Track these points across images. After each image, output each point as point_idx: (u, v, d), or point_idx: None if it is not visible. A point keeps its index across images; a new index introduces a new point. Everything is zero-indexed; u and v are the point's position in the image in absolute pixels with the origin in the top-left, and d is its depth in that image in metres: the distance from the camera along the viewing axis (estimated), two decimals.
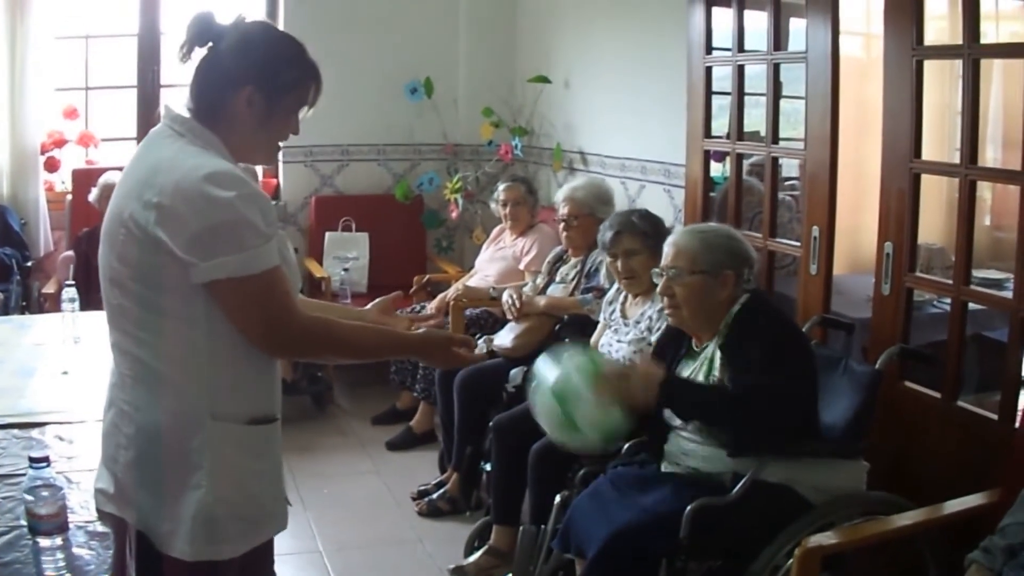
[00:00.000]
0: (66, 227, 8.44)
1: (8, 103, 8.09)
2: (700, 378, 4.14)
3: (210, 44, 2.90)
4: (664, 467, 4.27)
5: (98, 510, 3.02)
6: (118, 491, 2.89)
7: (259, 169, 7.81)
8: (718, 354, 4.09)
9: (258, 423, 2.91)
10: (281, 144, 3.04)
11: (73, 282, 5.47)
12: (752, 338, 3.99)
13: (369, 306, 3.59)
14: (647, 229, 5.18)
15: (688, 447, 4.16)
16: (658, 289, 4.32)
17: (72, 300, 5.37)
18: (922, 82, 4.59)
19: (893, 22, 4.70)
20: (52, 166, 8.59)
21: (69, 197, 8.45)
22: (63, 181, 8.67)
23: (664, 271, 4.24)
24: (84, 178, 8.20)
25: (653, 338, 5.00)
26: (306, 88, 2.97)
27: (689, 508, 3.84)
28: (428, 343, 3.24)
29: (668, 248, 4.25)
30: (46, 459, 2.63)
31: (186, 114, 2.89)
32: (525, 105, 8.79)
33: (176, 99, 2.96)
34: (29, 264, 7.99)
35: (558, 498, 4.64)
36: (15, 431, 4.01)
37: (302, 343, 2.90)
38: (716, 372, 4.08)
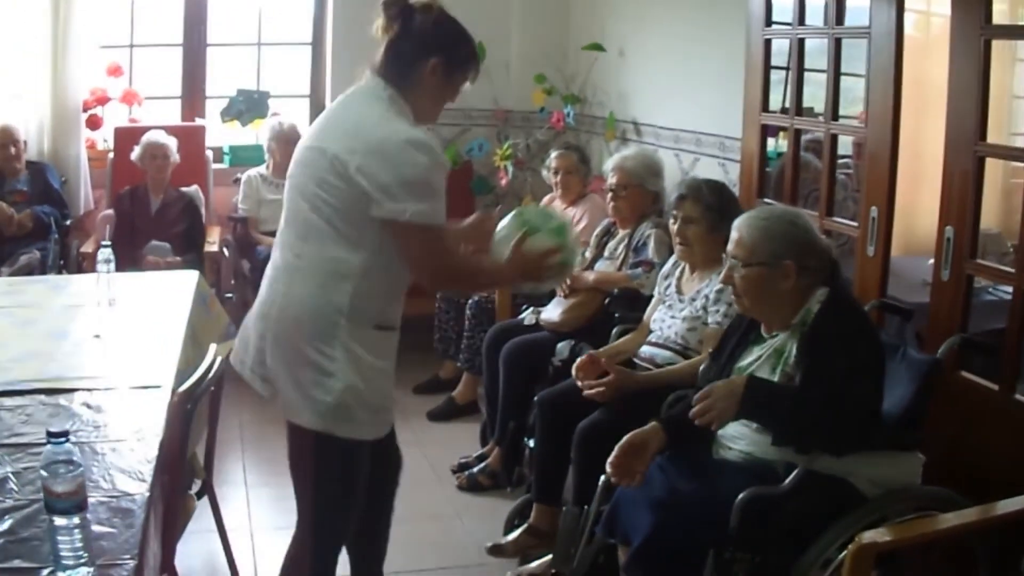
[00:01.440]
0: (107, 186, 8.35)
1: (51, 59, 8.00)
2: (765, 368, 4.00)
3: (401, 21, 3.59)
4: (715, 452, 4.15)
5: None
6: (257, 364, 3.71)
7: (284, 123, 8.12)
8: (793, 350, 3.94)
9: (383, 329, 3.65)
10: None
11: (109, 243, 5.33)
12: (833, 343, 3.82)
13: (466, 225, 4.12)
14: (712, 202, 5.06)
15: (740, 431, 4.03)
16: (721, 276, 4.21)
17: (108, 261, 5.23)
18: (989, 63, 4.45)
19: (962, 1, 4.55)
20: (94, 124, 8.50)
21: (111, 155, 8.37)
22: (105, 139, 8.60)
23: (727, 258, 4.11)
24: (127, 136, 8.13)
25: (710, 319, 4.94)
26: (472, 66, 3.70)
27: (739, 498, 3.71)
28: (526, 266, 3.77)
29: (733, 233, 4.10)
30: (65, 434, 2.54)
31: (381, 79, 3.59)
32: (578, 73, 8.64)
33: (371, 61, 3.66)
34: (68, 223, 7.93)
35: (603, 479, 4.48)
36: (42, 397, 3.88)
37: (452, 282, 4.03)
38: (788, 368, 3.93)
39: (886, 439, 3.92)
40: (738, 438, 4.03)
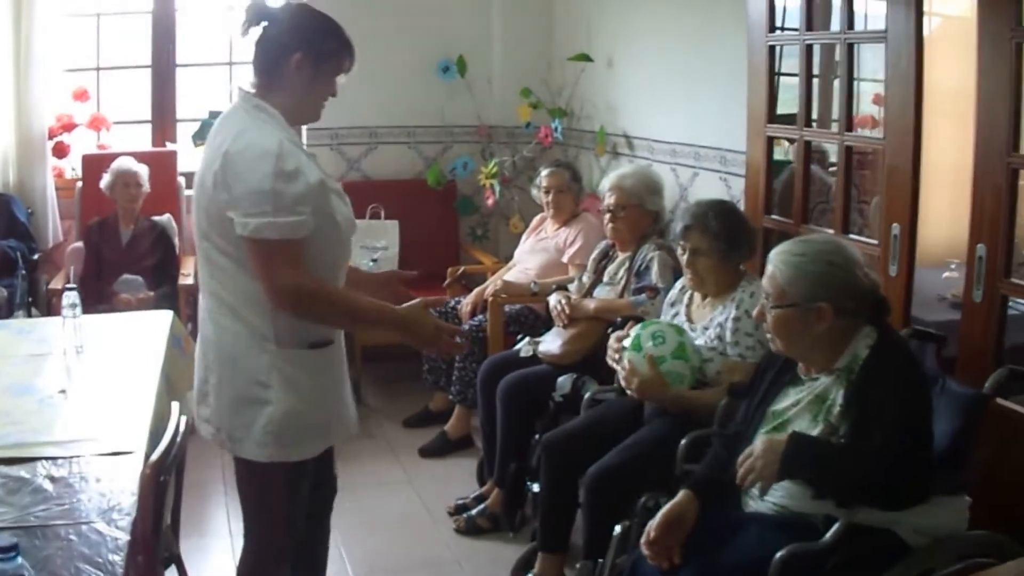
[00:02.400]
0: (76, 216, 8.04)
1: (13, 85, 7.72)
2: (805, 415, 3.67)
3: (264, 23, 3.56)
4: (745, 504, 3.80)
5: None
6: (208, 402, 3.65)
7: None
8: (838, 398, 3.59)
9: (317, 347, 3.60)
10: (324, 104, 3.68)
11: (75, 285, 5.04)
12: (883, 393, 3.47)
13: (378, 273, 4.34)
14: (719, 231, 4.75)
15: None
16: (755, 313, 3.90)
17: (73, 306, 4.93)
18: (1022, 67, 4.11)
19: (990, 1, 4.22)
20: (61, 151, 8.22)
21: (79, 184, 8.05)
22: (72, 168, 8.31)
23: (763, 294, 3.80)
24: (95, 164, 7.81)
25: (730, 350, 4.64)
26: (343, 56, 3.60)
27: (777, 556, 3.40)
28: (406, 316, 3.61)
29: (768, 265, 3.78)
30: (14, 547, 2.19)
31: (251, 90, 3.56)
32: (565, 85, 8.32)
33: (242, 77, 3.74)
34: (36, 257, 7.64)
35: (618, 528, 4.23)
36: (2, 468, 3.53)
37: (294, 304, 3.43)
38: (832, 418, 3.58)
39: (935, 485, 3.57)
40: (773, 489, 3.67)
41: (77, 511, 3.21)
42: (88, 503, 3.26)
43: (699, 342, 4.75)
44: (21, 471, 3.51)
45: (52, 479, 3.45)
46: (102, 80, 8.48)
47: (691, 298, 4.98)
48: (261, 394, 3.51)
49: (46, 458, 3.62)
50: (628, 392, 4.70)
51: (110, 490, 3.36)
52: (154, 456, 3.39)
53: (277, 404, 3.51)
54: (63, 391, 4.39)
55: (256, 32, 3.57)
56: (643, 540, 3.68)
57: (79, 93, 8.28)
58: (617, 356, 4.75)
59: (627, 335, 4.72)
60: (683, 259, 4.87)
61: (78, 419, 4.06)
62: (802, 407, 3.69)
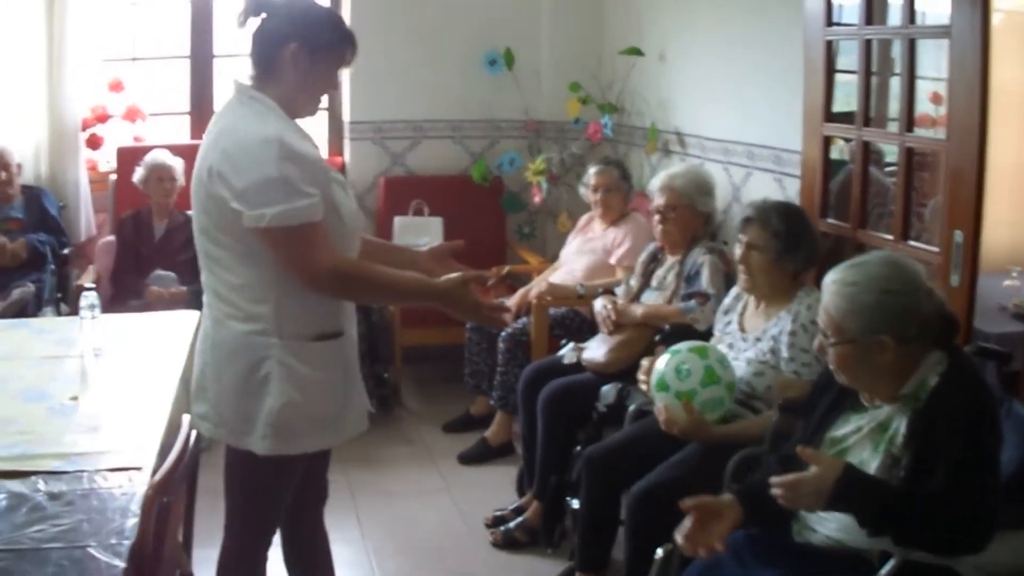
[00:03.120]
0: (109, 210, 7.91)
1: (46, 75, 7.58)
2: (866, 444, 3.41)
3: (263, 15, 3.46)
4: (797, 532, 3.56)
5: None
6: (206, 398, 3.57)
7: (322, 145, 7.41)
8: (901, 427, 3.33)
9: (324, 339, 3.53)
10: (323, 98, 3.60)
11: (93, 285, 4.88)
12: (951, 427, 3.19)
13: (426, 248, 4.02)
14: (780, 229, 4.58)
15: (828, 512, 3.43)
16: (814, 345, 3.61)
17: (92, 307, 4.76)
18: None
19: None
20: (95, 143, 8.06)
21: (113, 177, 7.92)
22: (107, 160, 8.15)
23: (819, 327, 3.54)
24: (129, 156, 7.63)
25: (785, 366, 4.44)
26: (342, 49, 3.52)
27: None
28: (446, 288, 3.51)
29: (822, 294, 3.52)
30: None
31: (247, 82, 3.49)
32: (615, 80, 8.03)
33: (239, 69, 3.58)
34: (67, 251, 7.49)
35: (660, 552, 3.97)
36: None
37: (331, 284, 3.40)
38: (894, 449, 3.32)
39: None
40: (826, 520, 3.43)
41: (74, 533, 3.03)
42: (87, 524, 3.08)
43: (750, 354, 4.57)
44: (22, 486, 3.32)
45: (52, 496, 3.27)
46: (138, 71, 8.32)
47: (745, 306, 4.79)
48: (262, 387, 3.45)
49: (47, 472, 3.43)
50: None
51: (112, 510, 3.18)
52: (156, 476, 3.15)
53: (277, 396, 3.44)
54: (75, 397, 4.19)
55: (255, 23, 3.49)
56: (679, 529, 3.48)
57: (114, 84, 8.11)
58: (645, 387, 4.63)
59: (652, 367, 4.59)
60: (737, 254, 4.70)
61: (87, 429, 3.86)
62: (863, 435, 3.44)
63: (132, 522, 3.06)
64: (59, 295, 7.13)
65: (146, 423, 3.92)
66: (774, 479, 3.26)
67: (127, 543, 2.94)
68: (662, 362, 4.50)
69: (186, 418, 3.63)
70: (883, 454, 3.33)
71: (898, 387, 3.36)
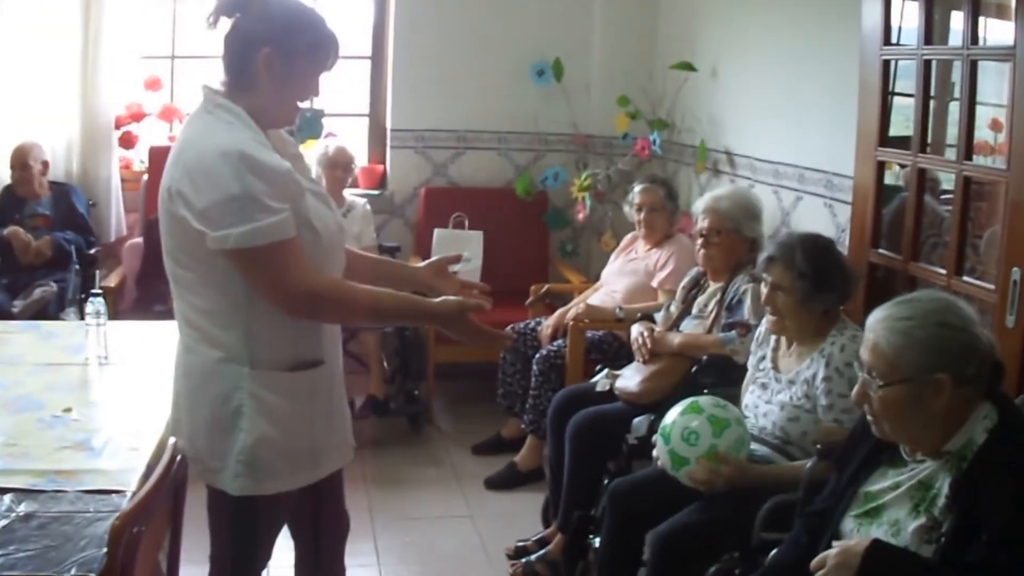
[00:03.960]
0: (140, 210, 7.80)
1: (80, 70, 7.50)
2: (904, 503, 3.13)
3: (237, 15, 3.18)
4: None
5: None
6: (181, 431, 3.35)
7: (330, 147, 7.37)
8: (944, 488, 3.05)
9: (301, 368, 3.28)
10: (320, 109, 3.33)
11: (100, 291, 4.72)
12: (997, 494, 2.89)
13: (423, 263, 3.82)
14: (806, 269, 4.30)
15: None
16: (853, 394, 3.29)
17: (98, 314, 4.59)
18: None
19: None
20: (129, 142, 7.95)
21: (145, 177, 7.82)
22: (141, 160, 8.05)
23: (859, 368, 3.26)
24: (163, 156, 7.16)
25: (824, 415, 4.17)
26: (323, 53, 3.24)
27: None
28: (440, 311, 3.31)
29: (866, 335, 3.23)
30: None
31: (218, 87, 3.22)
32: (666, 95, 7.85)
33: (212, 75, 3.28)
34: (93, 251, 7.37)
35: None
36: None
37: (311, 307, 3.16)
38: (935, 511, 3.03)
39: None
40: None
41: (38, 561, 2.81)
42: (54, 552, 2.85)
43: (783, 396, 4.34)
44: None
45: (26, 517, 3.05)
46: (177, 69, 8.20)
47: (778, 342, 4.53)
48: (233, 421, 3.21)
49: (23, 490, 3.23)
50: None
51: (85, 537, 2.95)
52: (127, 505, 2.95)
53: (249, 431, 3.20)
54: (68, 409, 3.97)
55: (227, 24, 3.22)
56: None
57: (151, 82, 8.02)
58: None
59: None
60: (763, 293, 4.46)
61: (74, 445, 3.65)
62: (902, 493, 3.16)
63: (103, 552, 2.82)
64: (82, 296, 6.90)
65: (137, 442, 3.70)
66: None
67: None
68: (662, 448, 4.25)
69: (170, 442, 3.43)
70: (924, 516, 3.05)
71: (945, 439, 3.08)
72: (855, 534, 3.19)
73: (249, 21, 3.16)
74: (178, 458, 3.31)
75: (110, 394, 4.26)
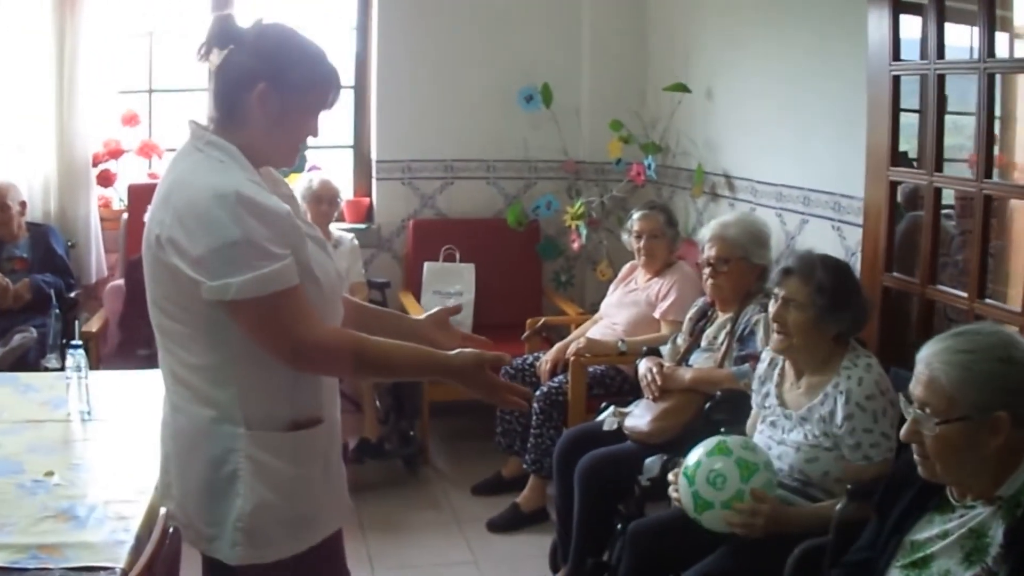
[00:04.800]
0: (120, 250, 7.60)
1: (55, 106, 7.29)
2: (955, 553, 2.93)
3: (231, 47, 2.98)
4: None
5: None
6: (172, 495, 3.11)
7: (314, 180, 7.11)
8: (998, 535, 2.84)
9: (300, 427, 3.06)
10: (301, 146, 3.11)
11: (80, 343, 4.51)
12: None
13: (424, 316, 3.61)
14: (825, 284, 4.12)
15: None
16: (903, 432, 3.07)
17: (79, 367, 4.36)
18: None
19: None
20: (107, 180, 7.74)
21: (125, 216, 7.60)
22: (121, 198, 7.85)
23: (907, 405, 3.03)
24: (142, 194, 7.22)
25: (851, 454, 3.95)
26: (323, 90, 3.04)
27: None
28: (455, 365, 3.07)
29: (918, 369, 3.02)
30: None
31: (207, 124, 3.01)
32: (659, 118, 7.71)
33: (200, 109, 2.85)
34: (74, 294, 7.18)
35: None
36: None
37: (320, 361, 2.96)
38: (988, 561, 2.84)
39: None
40: None
41: None
42: None
43: (796, 436, 4.14)
44: None
45: None
46: (154, 104, 8.03)
47: (782, 375, 4.33)
48: (229, 486, 2.98)
49: (5, 568, 2.98)
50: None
51: None
52: None
53: (246, 497, 2.96)
54: (50, 473, 3.71)
55: (218, 56, 3.00)
56: None
57: (128, 117, 7.82)
58: (676, 494, 4.14)
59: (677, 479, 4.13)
60: (772, 309, 4.25)
61: (58, 514, 3.39)
62: (951, 542, 2.95)
63: None
64: (64, 341, 6.64)
65: (125, 509, 3.44)
66: None
67: None
68: (684, 488, 4.02)
69: (162, 512, 3.23)
70: (978, 567, 2.86)
71: (998, 482, 2.88)
72: None
73: (243, 54, 2.97)
74: (171, 530, 3.14)
75: (94, 454, 4.00)
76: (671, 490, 4.17)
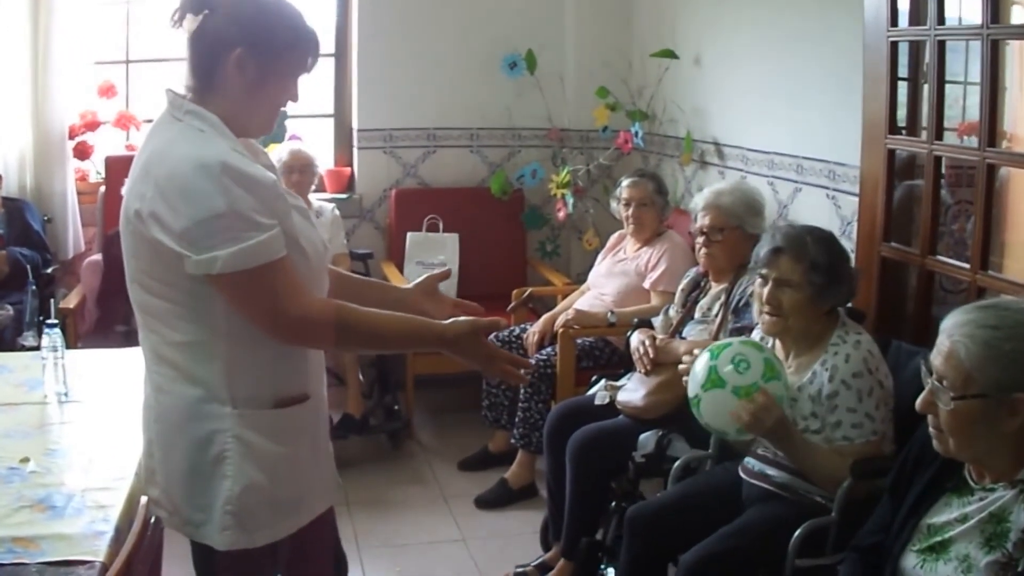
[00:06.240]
0: (98, 224, 7.44)
1: (31, 78, 7.15)
2: (975, 538, 2.83)
3: (205, 12, 2.87)
4: None
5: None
6: (156, 481, 3.03)
7: (297, 149, 6.98)
8: (1020, 519, 2.75)
9: (286, 405, 2.99)
10: (281, 113, 3.05)
11: (56, 321, 4.40)
12: None
13: (411, 285, 3.52)
14: (820, 260, 4.00)
15: None
16: (918, 401, 2.96)
17: (54, 348, 4.25)
18: None
19: None
20: (84, 152, 7.60)
21: (103, 189, 7.45)
22: (98, 171, 7.71)
23: (927, 376, 2.91)
24: (120, 166, 7.07)
25: (833, 433, 3.86)
26: (301, 54, 2.97)
27: None
28: (450, 334, 2.99)
29: (940, 340, 2.90)
30: None
31: (184, 93, 2.93)
32: (646, 85, 7.61)
33: (177, 79, 2.98)
34: (50, 270, 7.04)
35: None
36: None
37: (310, 333, 2.90)
38: (1008, 546, 2.74)
39: None
40: None
41: None
42: None
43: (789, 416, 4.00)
44: None
45: None
46: (132, 74, 7.86)
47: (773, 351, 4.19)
48: (216, 467, 2.91)
49: None
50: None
51: None
52: None
53: (235, 479, 2.90)
54: (26, 459, 3.58)
55: (193, 22, 2.88)
56: None
57: (105, 88, 7.67)
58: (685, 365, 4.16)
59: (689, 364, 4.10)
60: (761, 292, 4.11)
61: (34, 504, 3.25)
62: (971, 526, 2.86)
63: None
64: (41, 318, 6.53)
65: (104, 497, 3.31)
66: None
67: None
68: (704, 360, 3.95)
69: (143, 501, 3.11)
70: (998, 552, 2.76)
71: (1018, 465, 2.78)
72: (919, 571, 2.91)
73: (218, 19, 2.86)
74: (152, 520, 3.04)
75: (71, 438, 3.84)
76: (681, 367, 4.21)
